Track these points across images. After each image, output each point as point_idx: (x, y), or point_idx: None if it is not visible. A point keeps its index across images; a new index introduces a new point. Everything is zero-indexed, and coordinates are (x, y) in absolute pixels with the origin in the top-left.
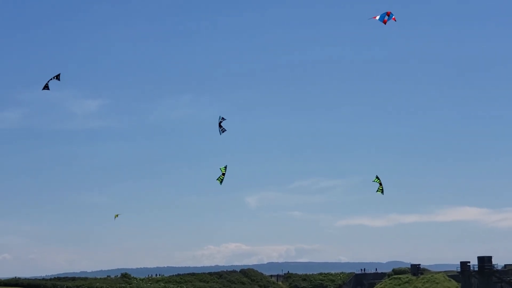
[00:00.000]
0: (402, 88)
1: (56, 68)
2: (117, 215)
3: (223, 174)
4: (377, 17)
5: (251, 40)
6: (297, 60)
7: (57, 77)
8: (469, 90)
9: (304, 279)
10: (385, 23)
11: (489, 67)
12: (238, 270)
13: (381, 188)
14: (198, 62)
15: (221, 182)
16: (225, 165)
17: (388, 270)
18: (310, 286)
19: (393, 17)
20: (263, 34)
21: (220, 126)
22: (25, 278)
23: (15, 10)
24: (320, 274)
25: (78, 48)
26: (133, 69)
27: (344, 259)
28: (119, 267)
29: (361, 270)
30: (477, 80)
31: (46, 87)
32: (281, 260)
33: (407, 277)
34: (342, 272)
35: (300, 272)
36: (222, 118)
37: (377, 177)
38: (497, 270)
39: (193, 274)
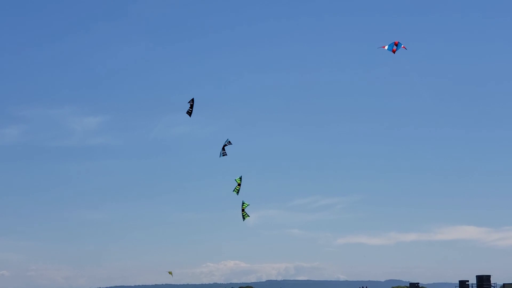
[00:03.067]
0: (401, 106)
1: (56, 85)
2: (171, 272)
3: (239, 184)
4: (386, 47)
5: (251, 57)
6: (298, 78)
7: (191, 106)
8: (468, 108)
9: None
10: (394, 52)
11: (491, 84)
12: None
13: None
14: (199, 79)
15: (237, 193)
16: (240, 176)
17: None
18: None
19: (403, 45)
20: (263, 51)
21: (223, 149)
22: None
23: (15, 27)
24: None
25: (78, 65)
26: (134, 86)
27: (343, 277)
28: (117, 285)
29: None
30: (476, 99)
31: (190, 111)
32: (280, 278)
33: None
34: None
35: None
36: (229, 142)
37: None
38: None
39: None
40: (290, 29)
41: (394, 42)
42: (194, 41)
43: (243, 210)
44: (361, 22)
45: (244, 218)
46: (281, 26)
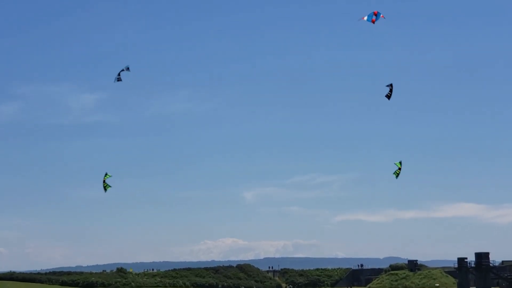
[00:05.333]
0: (400, 84)
1: (53, 62)
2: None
3: (399, 168)
4: (365, 18)
5: (250, 36)
6: (295, 57)
7: (127, 68)
8: (467, 87)
9: (301, 275)
10: (373, 22)
11: (487, 65)
12: (235, 265)
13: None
14: (196, 57)
15: (397, 177)
16: (399, 160)
17: (385, 266)
18: (306, 282)
19: (382, 15)
20: (261, 31)
21: (119, 74)
22: (21, 272)
23: (12, 4)
24: (317, 269)
25: (75, 42)
26: (130, 63)
27: (341, 254)
28: (115, 262)
29: (358, 265)
30: (475, 78)
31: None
32: (278, 255)
33: (404, 273)
34: (339, 268)
35: (297, 268)
36: (127, 68)
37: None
38: (495, 266)
39: (189, 269)
40: (285, 14)
41: (373, 12)
42: (192, 21)
43: (104, 181)
44: (349, 5)
45: (105, 190)
46: (277, 10)
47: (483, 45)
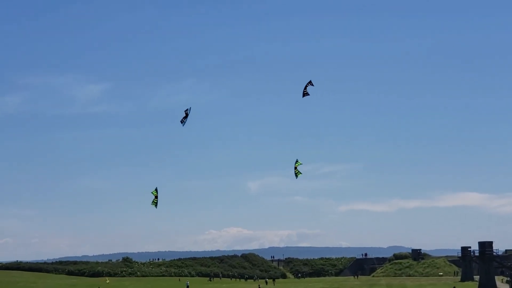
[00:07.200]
0: (403, 74)
1: (58, 53)
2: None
3: (296, 168)
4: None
5: (253, 27)
6: (298, 47)
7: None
8: (470, 76)
9: (305, 264)
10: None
11: (491, 54)
12: (239, 255)
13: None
14: (200, 47)
15: (296, 176)
16: None
17: (389, 255)
18: (311, 271)
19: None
20: (264, 21)
21: (186, 117)
22: (27, 262)
23: None
24: (321, 259)
25: (80, 33)
26: (135, 54)
27: (345, 244)
28: (121, 252)
29: (362, 255)
30: (478, 67)
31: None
32: (282, 245)
33: (408, 262)
34: (343, 257)
35: (301, 257)
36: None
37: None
38: (498, 255)
39: (194, 258)
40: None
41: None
42: (197, 11)
43: (155, 198)
44: None
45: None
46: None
47: (489, 33)
